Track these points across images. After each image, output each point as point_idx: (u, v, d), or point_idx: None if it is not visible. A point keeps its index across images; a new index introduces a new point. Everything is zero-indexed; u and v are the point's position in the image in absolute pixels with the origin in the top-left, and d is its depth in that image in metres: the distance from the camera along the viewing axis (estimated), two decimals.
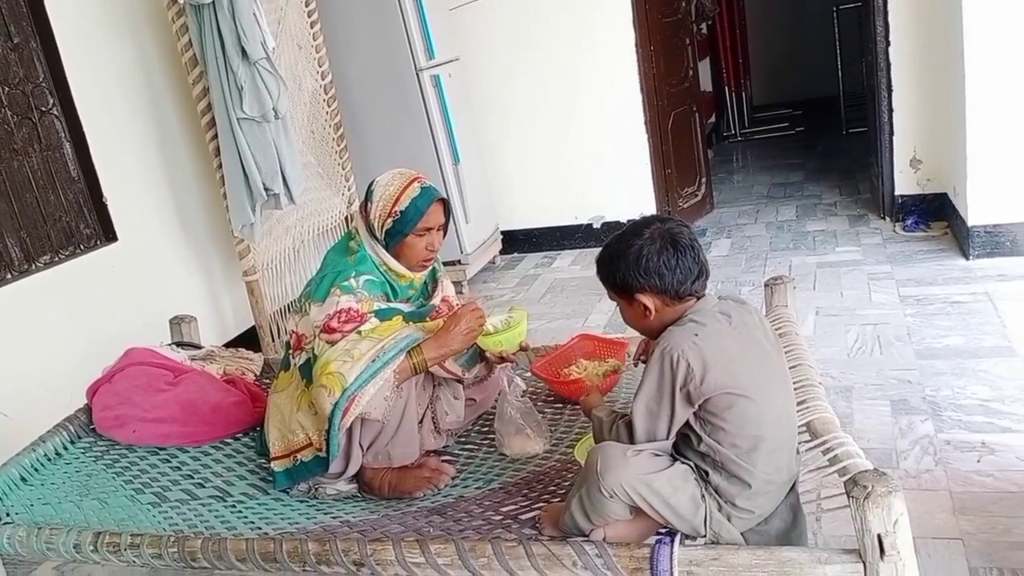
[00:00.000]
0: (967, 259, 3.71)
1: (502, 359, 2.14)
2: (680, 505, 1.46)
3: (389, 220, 1.96)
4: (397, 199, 1.96)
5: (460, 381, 2.15)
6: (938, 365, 2.84)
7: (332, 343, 1.86)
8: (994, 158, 3.55)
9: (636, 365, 2.06)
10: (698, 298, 1.48)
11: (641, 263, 1.46)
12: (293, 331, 2.00)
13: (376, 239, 2.00)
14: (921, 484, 2.22)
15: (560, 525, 1.59)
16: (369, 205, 2.00)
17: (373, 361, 1.83)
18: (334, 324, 1.87)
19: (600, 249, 1.56)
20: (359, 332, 1.87)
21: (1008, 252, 3.63)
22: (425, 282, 2.15)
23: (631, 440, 1.45)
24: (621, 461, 1.43)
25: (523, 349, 2.15)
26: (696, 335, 1.40)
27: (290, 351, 2.01)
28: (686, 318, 1.45)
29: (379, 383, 1.82)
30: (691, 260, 1.45)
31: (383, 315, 1.93)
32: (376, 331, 1.88)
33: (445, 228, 2.06)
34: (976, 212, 3.66)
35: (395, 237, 1.97)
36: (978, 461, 2.28)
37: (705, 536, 1.48)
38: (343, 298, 1.89)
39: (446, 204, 2.04)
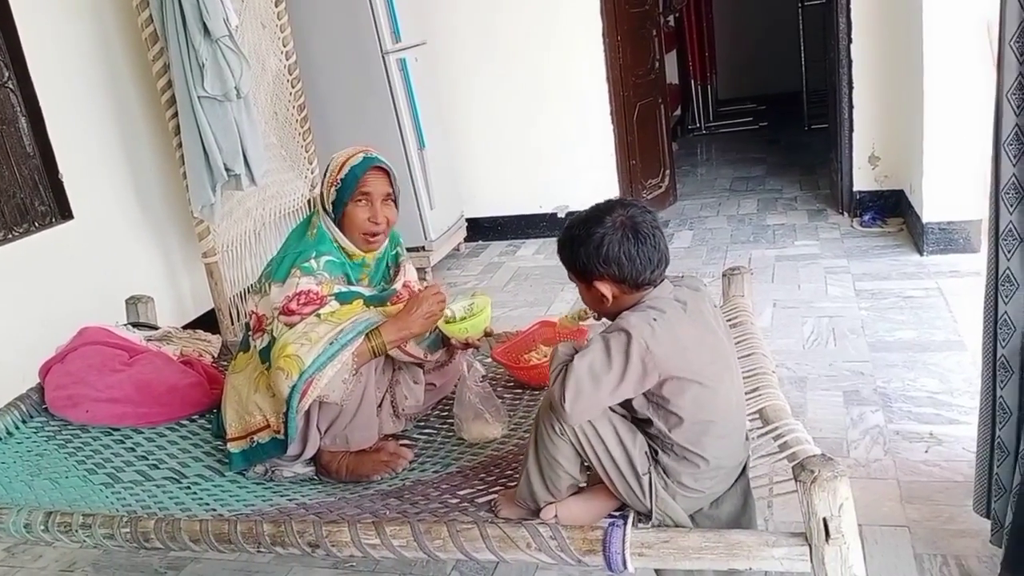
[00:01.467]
0: (921, 255, 3.80)
1: (467, 345, 2.13)
2: (622, 462, 1.48)
3: (332, 190, 1.98)
4: (340, 167, 1.98)
5: (421, 365, 2.14)
6: (890, 357, 2.90)
7: (291, 325, 1.84)
8: (949, 157, 3.63)
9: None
10: (655, 286, 1.49)
11: (602, 252, 1.45)
12: (253, 312, 1.98)
13: (327, 213, 2.01)
14: (870, 473, 2.27)
15: (516, 497, 1.60)
16: (323, 180, 2.03)
17: (331, 344, 1.82)
18: (293, 306, 1.86)
19: (563, 230, 1.54)
20: (318, 315, 1.86)
21: (961, 248, 3.72)
22: (387, 266, 2.14)
23: (562, 393, 1.40)
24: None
25: (488, 335, 2.15)
26: (653, 320, 1.41)
27: (250, 332, 1.99)
28: (643, 304, 1.46)
29: (337, 366, 1.81)
30: (651, 249, 1.45)
31: (343, 298, 1.92)
32: (336, 315, 1.87)
33: (395, 202, 2.05)
34: (931, 209, 3.75)
35: (339, 207, 1.98)
36: (926, 451, 2.34)
37: (651, 513, 1.50)
38: (303, 280, 1.88)
39: (390, 174, 2.03)
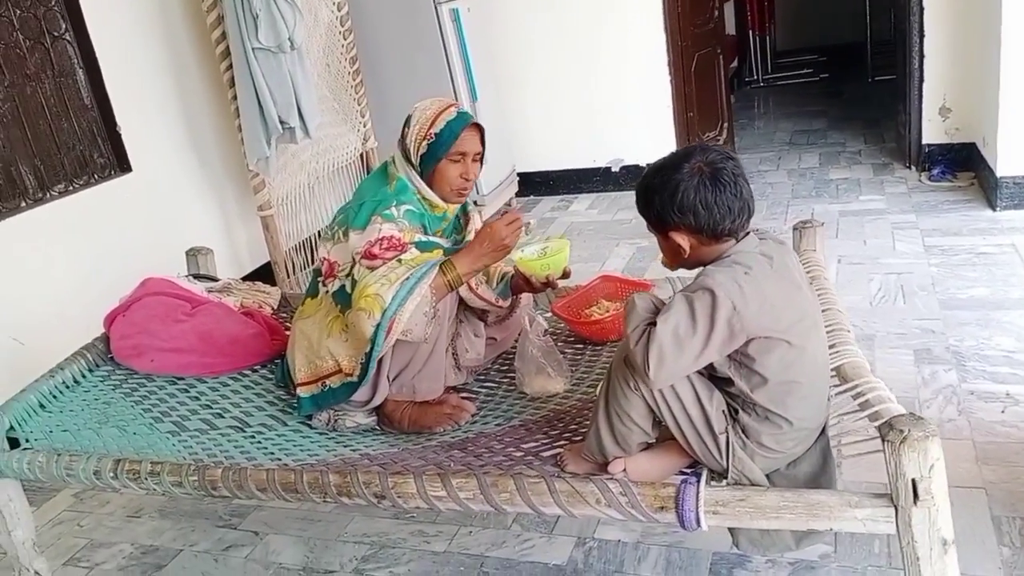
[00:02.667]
0: (994, 210, 3.65)
1: (546, 284, 2.06)
2: (699, 420, 1.43)
3: (424, 143, 1.92)
4: (433, 122, 1.92)
5: (483, 319, 2.11)
6: (962, 315, 2.80)
7: (372, 268, 1.82)
8: None
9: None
10: (737, 238, 1.42)
11: (677, 199, 1.38)
12: (325, 258, 1.96)
13: (412, 165, 1.96)
14: (944, 433, 2.20)
15: (583, 451, 1.57)
16: (406, 130, 1.96)
17: (407, 279, 1.78)
18: (376, 251, 1.83)
19: (640, 179, 1.47)
20: (399, 260, 1.83)
21: None
22: (457, 216, 2.10)
23: (645, 359, 1.34)
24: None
25: (566, 275, 2.08)
26: (740, 276, 1.34)
27: (320, 278, 1.98)
28: (729, 259, 1.39)
29: (416, 299, 1.77)
30: (731, 197, 1.37)
31: (424, 247, 1.89)
32: (415, 260, 1.84)
33: (482, 159, 2.01)
34: (1006, 163, 3.58)
35: (430, 162, 1.93)
36: (1002, 411, 2.25)
37: (727, 472, 1.45)
38: (385, 226, 1.86)
39: (482, 133, 1.98)
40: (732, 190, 1.37)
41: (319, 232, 3.57)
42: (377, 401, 1.93)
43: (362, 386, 1.86)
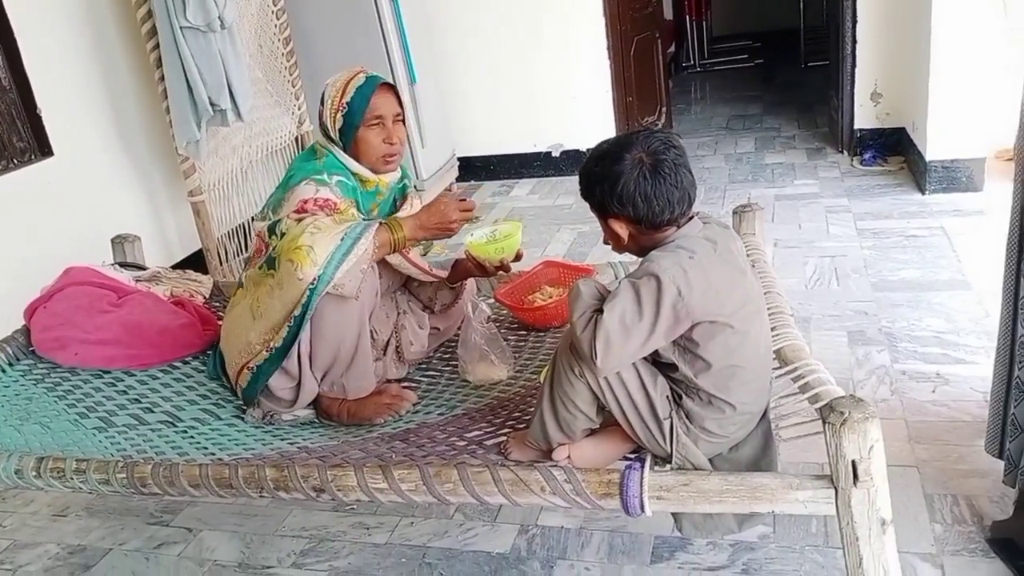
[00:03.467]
0: (923, 194, 3.74)
1: (499, 268, 2.01)
2: (643, 406, 1.43)
3: (339, 115, 1.87)
4: (343, 91, 1.87)
5: (428, 275, 2.04)
6: (894, 297, 2.86)
7: (300, 221, 1.75)
8: (955, 94, 3.55)
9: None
10: (679, 225, 1.41)
11: (617, 191, 1.37)
12: (258, 235, 1.88)
13: (333, 142, 1.91)
14: (877, 413, 2.24)
15: (527, 438, 1.56)
16: (322, 108, 1.91)
17: (343, 237, 1.71)
18: (309, 207, 1.77)
19: (584, 161, 1.45)
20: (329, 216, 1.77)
21: (964, 187, 3.67)
22: (394, 198, 2.05)
23: (591, 346, 1.34)
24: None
25: (518, 258, 2.03)
26: (685, 261, 1.33)
27: (251, 259, 1.90)
28: (673, 243, 1.38)
29: (353, 259, 1.71)
30: (671, 188, 1.36)
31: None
32: (346, 218, 1.79)
33: (403, 119, 1.96)
34: (934, 147, 3.68)
35: (349, 133, 1.87)
36: (933, 391, 2.31)
37: (671, 457, 1.45)
38: (322, 190, 1.80)
39: (396, 93, 1.93)
40: (672, 181, 1.36)
41: (252, 217, 3.46)
42: (304, 401, 1.88)
43: (285, 353, 1.78)
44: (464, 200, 1.86)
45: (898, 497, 1.90)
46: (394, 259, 1.90)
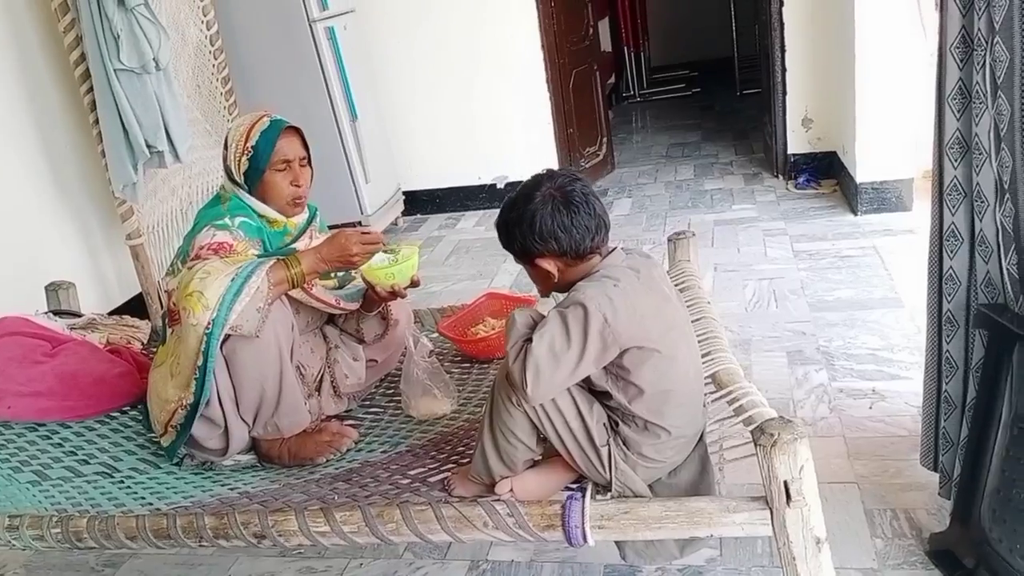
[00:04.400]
0: (855, 215, 3.86)
1: (393, 294, 1.97)
2: (580, 434, 1.44)
3: (243, 159, 1.87)
4: (247, 135, 1.87)
5: (334, 308, 2.01)
6: (830, 317, 2.94)
7: (191, 267, 1.74)
8: (881, 118, 3.68)
9: None
10: (601, 254, 1.45)
11: (536, 228, 1.41)
12: (167, 291, 1.86)
13: (238, 185, 1.91)
14: (817, 431, 2.29)
15: (470, 473, 1.56)
16: (226, 152, 1.91)
17: (234, 277, 1.69)
18: (203, 253, 1.76)
19: (497, 216, 1.49)
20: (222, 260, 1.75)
21: (893, 207, 3.79)
22: (303, 231, 2.04)
23: (522, 376, 1.35)
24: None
25: (414, 284, 1.99)
26: (610, 289, 1.36)
27: (166, 321, 1.88)
28: (598, 273, 1.42)
29: (246, 298, 1.68)
30: (586, 216, 1.40)
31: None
32: (239, 259, 1.77)
33: (310, 163, 1.96)
34: (864, 169, 3.80)
35: (254, 177, 1.88)
36: (870, 407, 2.37)
37: (610, 485, 1.47)
38: (219, 233, 1.79)
39: (302, 135, 1.93)
40: (585, 209, 1.41)
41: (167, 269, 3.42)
42: (236, 447, 1.85)
43: (204, 399, 1.76)
44: (368, 233, 1.85)
45: (839, 513, 1.96)
46: (296, 294, 1.88)
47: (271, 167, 1.87)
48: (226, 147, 1.91)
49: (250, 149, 1.86)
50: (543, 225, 1.40)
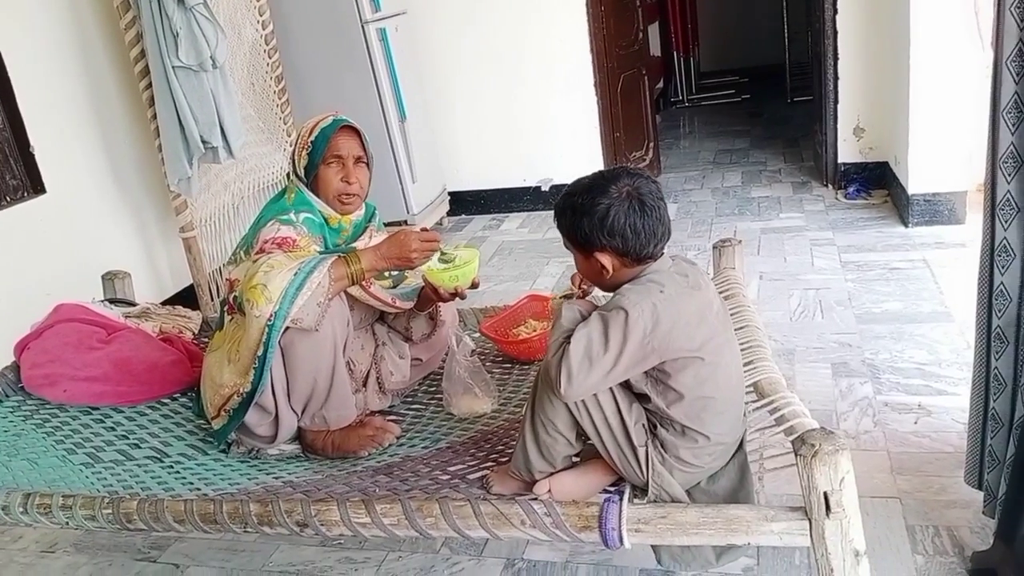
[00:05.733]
0: (906, 226, 3.79)
1: (454, 295, 2.01)
2: (619, 432, 1.45)
3: (304, 153, 1.94)
4: (311, 131, 1.94)
5: (389, 307, 2.06)
6: (877, 329, 2.89)
7: (256, 260, 1.80)
8: (935, 128, 3.62)
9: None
10: (655, 259, 1.45)
11: (607, 223, 1.39)
12: (228, 279, 1.93)
13: (300, 179, 1.97)
14: (860, 445, 2.27)
15: (510, 467, 1.58)
16: (293, 149, 1.99)
17: (296, 272, 1.74)
18: (267, 247, 1.81)
19: (562, 197, 1.48)
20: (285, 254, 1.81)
21: (946, 220, 3.72)
22: (358, 233, 2.08)
23: (557, 373, 1.36)
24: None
25: (474, 286, 2.03)
26: (656, 296, 1.36)
27: (226, 307, 1.94)
28: (644, 278, 1.42)
29: (308, 293, 1.73)
30: (656, 221, 1.40)
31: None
32: (302, 254, 1.82)
33: (368, 165, 2.00)
34: (916, 181, 3.74)
35: (311, 170, 1.94)
36: (915, 422, 2.34)
37: (647, 487, 1.47)
38: (283, 228, 1.85)
39: (362, 137, 1.98)
40: (657, 215, 1.40)
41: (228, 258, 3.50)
42: (284, 436, 1.90)
43: (261, 388, 1.80)
44: (427, 231, 1.89)
45: (880, 528, 1.94)
46: (354, 291, 1.92)
47: (323, 161, 1.93)
48: (294, 143, 1.99)
49: (309, 144, 1.93)
50: (615, 221, 1.39)
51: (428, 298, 2.08)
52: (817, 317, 3.06)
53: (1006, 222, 1.65)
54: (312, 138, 1.93)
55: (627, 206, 1.39)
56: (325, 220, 1.97)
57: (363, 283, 1.90)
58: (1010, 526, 1.67)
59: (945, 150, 3.63)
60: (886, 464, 2.17)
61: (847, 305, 3.11)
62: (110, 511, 1.72)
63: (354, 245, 2.00)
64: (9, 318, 2.60)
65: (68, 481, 1.90)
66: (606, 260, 1.44)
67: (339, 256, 1.83)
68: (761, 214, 4.33)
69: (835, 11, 4.21)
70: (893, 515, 1.98)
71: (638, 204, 1.39)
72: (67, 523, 1.78)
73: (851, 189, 4.35)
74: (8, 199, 3.12)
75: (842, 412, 2.43)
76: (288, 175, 2.03)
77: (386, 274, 2.07)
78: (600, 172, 1.46)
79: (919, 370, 2.60)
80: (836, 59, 4.29)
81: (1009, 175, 1.62)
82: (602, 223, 1.40)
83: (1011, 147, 1.61)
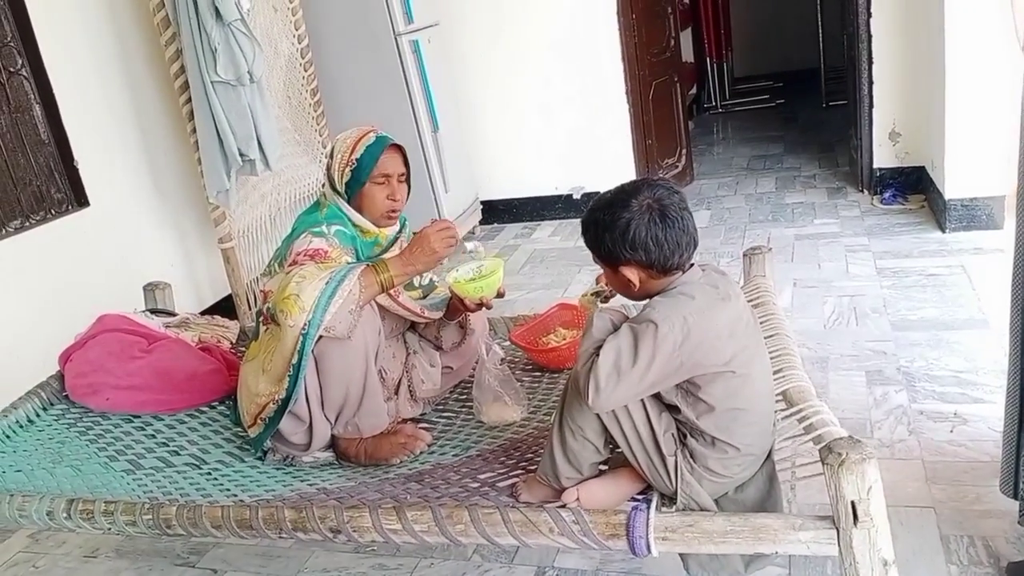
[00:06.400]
0: (943, 232, 3.74)
1: (480, 305, 2.05)
2: (648, 441, 1.46)
3: (347, 170, 1.97)
4: (353, 148, 1.97)
5: (418, 317, 2.10)
6: (913, 336, 2.86)
7: (288, 272, 1.84)
8: (972, 132, 3.56)
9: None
10: (684, 271, 1.46)
11: (628, 237, 1.41)
12: (263, 291, 1.97)
13: (339, 194, 2.00)
14: (895, 453, 2.25)
15: (538, 473, 1.60)
16: (330, 161, 2.01)
17: (328, 281, 1.78)
18: (300, 259, 1.85)
19: (587, 212, 1.50)
20: (317, 265, 1.85)
21: (984, 225, 3.66)
22: (390, 246, 2.12)
23: (585, 384, 1.38)
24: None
25: (500, 295, 2.07)
26: (686, 308, 1.38)
27: (261, 317, 1.99)
28: (675, 289, 1.43)
29: (340, 300, 1.77)
30: (679, 232, 1.40)
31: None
32: (334, 264, 1.87)
33: (408, 181, 2.05)
34: (953, 185, 3.68)
35: (355, 187, 1.98)
36: (951, 431, 2.31)
37: (675, 496, 1.48)
38: (315, 240, 1.89)
39: (403, 153, 2.02)
40: (680, 225, 1.41)
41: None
42: (318, 445, 1.94)
43: (295, 396, 1.84)
44: (440, 221, 1.93)
45: (915, 538, 1.92)
46: (384, 301, 1.96)
47: (371, 180, 1.96)
48: (331, 156, 2.01)
49: (354, 161, 1.96)
50: (636, 235, 1.40)
51: (456, 308, 2.12)
52: (852, 324, 3.03)
53: None
54: (357, 155, 1.96)
55: (648, 218, 1.40)
56: (361, 232, 2.01)
57: (392, 292, 1.93)
58: None
59: (982, 154, 3.58)
60: (921, 473, 2.15)
61: (882, 312, 3.08)
62: (150, 517, 1.77)
63: (385, 256, 2.03)
64: (54, 329, 2.68)
65: (110, 487, 1.96)
66: (632, 274, 1.45)
67: (368, 265, 1.87)
68: (795, 220, 4.30)
69: (869, 15, 4.17)
70: (927, 525, 1.96)
71: (659, 216, 1.40)
72: (109, 528, 1.83)
73: (887, 194, 4.29)
74: (53, 212, 3.22)
75: (876, 421, 2.41)
76: (322, 193, 2.07)
77: (416, 284, 2.11)
78: (622, 186, 1.47)
79: (955, 378, 2.56)
80: (871, 63, 4.25)
81: None
82: (624, 237, 1.41)
83: None
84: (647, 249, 1.41)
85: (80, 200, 3.31)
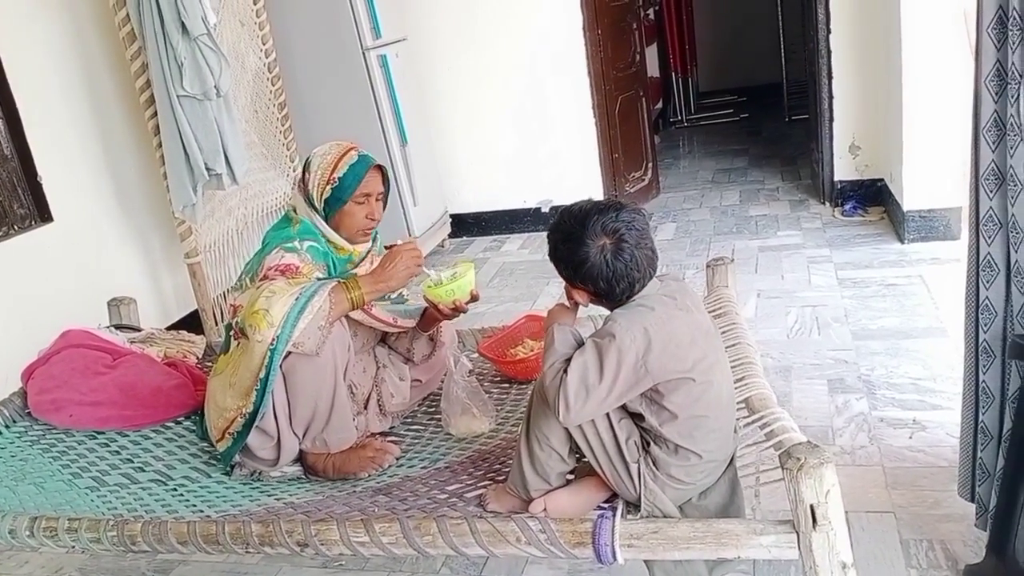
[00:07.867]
0: (902, 243, 3.83)
1: (455, 310, 2.05)
2: (611, 448, 1.49)
3: (328, 188, 1.96)
4: (335, 166, 1.96)
5: (392, 327, 2.11)
6: (873, 345, 2.92)
7: (259, 287, 1.84)
8: (929, 145, 3.66)
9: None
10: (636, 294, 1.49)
11: (581, 272, 1.46)
12: (232, 305, 1.97)
13: (315, 210, 2.00)
14: (856, 460, 2.29)
15: (506, 484, 1.62)
16: (307, 176, 2.00)
17: (298, 296, 1.78)
18: (271, 274, 1.85)
19: (549, 231, 1.54)
20: (287, 281, 1.85)
21: (941, 236, 3.75)
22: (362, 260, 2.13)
23: (555, 401, 1.41)
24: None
25: (474, 299, 2.07)
26: (646, 319, 1.41)
27: (232, 331, 1.98)
28: (633, 302, 1.46)
29: (309, 317, 1.77)
30: (632, 270, 1.44)
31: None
32: (304, 280, 1.87)
33: (385, 199, 2.06)
34: (911, 197, 3.77)
35: (334, 205, 1.97)
36: (910, 437, 2.36)
37: (640, 502, 1.50)
38: (287, 256, 1.89)
39: (384, 173, 2.04)
40: (632, 264, 1.44)
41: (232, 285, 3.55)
42: (286, 459, 1.94)
43: (262, 411, 1.84)
44: (407, 242, 1.96)
45: (875, 542, 1.96)
46: (357, 315, 1.97)
47: (353, 199, 1.97)
48: (307, 170, 2.00)
49: (336, 179, 1.96)
50: (588, 273, 1.45)
51: (432, 318, 2.13)
52: (814, 334, 3.09)
53: (989, 238, 1.68)
54: (339, 174, 1.95)
55: (600, 259, 1.44)
56: (335, 248, 2.01)
57: (365, 307, 1.94)
58: (1001, 538, 1.69)
59: (939, 166, 3.67)
60: (881, 479, 2.20)
61: (843, 322, 3.14)
62: (115, 533, 1.75)
63: (355, 271, 2.04)
64: (17, 345, 2.65)
65: (74, 505, 1.94)
66: (582, 297, 1.53)
67: (340, 281, 1.87)
68: (759, 232, 4.37)
69: (829, 31, 4.27)
70: (887, 529, 2.00)
71: (612, 257, 1.43)
72: (73, 546, 1.80)
73: (848, 206, 4.39)
74: (16, 227, 3.18)
75: (838, 428, 2.46)
76: (291, 208, 2.05)
77: (387, 298, 2.12)
78: (584, 211, 1.47)
79: (914, 385, 2.62)
80: (831, 78, 4.35)
81: (991, 192, 1.66)
82: (577, 271, 1.47)
83: (992, 164, 1.65)
84: (596, 284, 1.46)
85: (43, 215, 3.27)
